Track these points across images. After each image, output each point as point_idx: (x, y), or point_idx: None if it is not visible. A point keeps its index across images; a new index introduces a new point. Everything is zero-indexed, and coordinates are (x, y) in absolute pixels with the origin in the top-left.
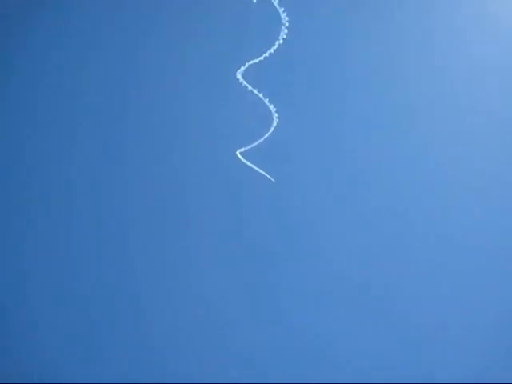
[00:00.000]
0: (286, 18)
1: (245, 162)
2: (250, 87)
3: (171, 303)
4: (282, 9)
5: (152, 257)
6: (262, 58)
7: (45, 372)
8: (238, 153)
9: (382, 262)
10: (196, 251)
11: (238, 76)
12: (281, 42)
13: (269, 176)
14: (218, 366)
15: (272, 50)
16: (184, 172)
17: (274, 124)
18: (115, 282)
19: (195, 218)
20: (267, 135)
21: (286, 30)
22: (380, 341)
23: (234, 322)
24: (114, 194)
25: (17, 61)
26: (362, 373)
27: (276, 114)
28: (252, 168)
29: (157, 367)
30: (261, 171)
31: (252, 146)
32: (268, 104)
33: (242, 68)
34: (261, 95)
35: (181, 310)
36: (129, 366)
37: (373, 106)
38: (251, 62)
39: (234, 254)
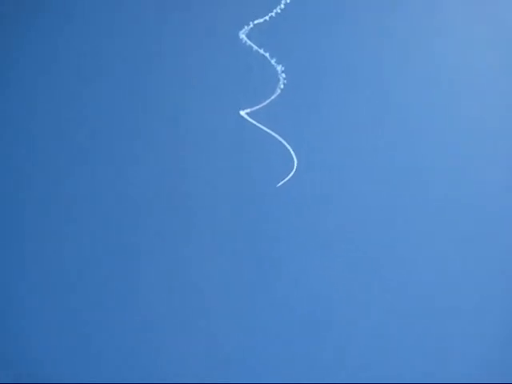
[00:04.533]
0: None
1: (251, 121)
2: (255, 47)
3: (169, 300)
4: None
5: (148, 245)
6: (267, 17)
7: (35, 372)
8: (243, 113)
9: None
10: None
11: (242, 36)
12: (288, 1)
13: (276, 134)
14: (218, 366)
15: (278, 10)
16: (189, 133)
17: (281, 85)
18: (110, 278)
19: (199, 182)
20: (274, 96)
21: None
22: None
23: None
24: (114, 166)
25: (16, 69)
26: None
27: (283, 75)
28: (258, 129)
29: (153, 368)
30: (268, 130)
31: (258, 107)
32: (275, 64)
33: (246, 27)
34: (267, 55)
35: (178, 306)
36: (123, 366)
37: (381, 66)
38: (256, 22)
39: (237, 224)
